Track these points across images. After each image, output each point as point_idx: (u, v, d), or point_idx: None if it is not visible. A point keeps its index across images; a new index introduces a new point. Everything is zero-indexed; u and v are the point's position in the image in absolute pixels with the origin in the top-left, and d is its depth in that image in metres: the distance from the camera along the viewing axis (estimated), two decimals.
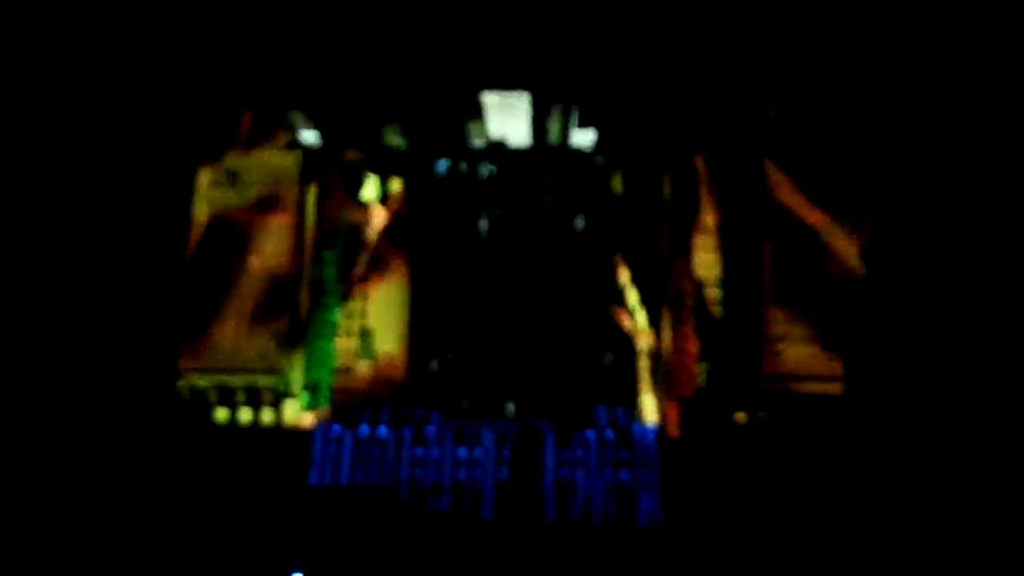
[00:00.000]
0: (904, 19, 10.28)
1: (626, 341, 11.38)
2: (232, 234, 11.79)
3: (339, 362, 11.09)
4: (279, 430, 10.23)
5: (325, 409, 10.59)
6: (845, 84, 10.77)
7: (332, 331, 10.93)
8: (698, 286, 11.05)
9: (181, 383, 11.29)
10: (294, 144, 11.43)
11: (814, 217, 11.38)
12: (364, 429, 10.37)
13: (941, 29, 10.21)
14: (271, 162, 11.82)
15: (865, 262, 11.03)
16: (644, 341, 10.89)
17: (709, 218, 11.44)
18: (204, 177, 11.86)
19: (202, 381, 11.28)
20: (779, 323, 11.32)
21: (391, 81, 10.57)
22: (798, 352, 11.18)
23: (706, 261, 11.34)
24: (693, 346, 10.31)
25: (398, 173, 11.57)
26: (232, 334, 11.70)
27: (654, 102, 10.55)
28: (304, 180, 11.67)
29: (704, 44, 10.36)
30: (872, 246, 11.10)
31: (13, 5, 10.17)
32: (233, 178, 11.90)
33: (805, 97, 11.08)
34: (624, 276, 11.26)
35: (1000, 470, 9.23)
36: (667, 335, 10.55)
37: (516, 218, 12.04)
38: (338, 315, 11.10)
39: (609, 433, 10.25)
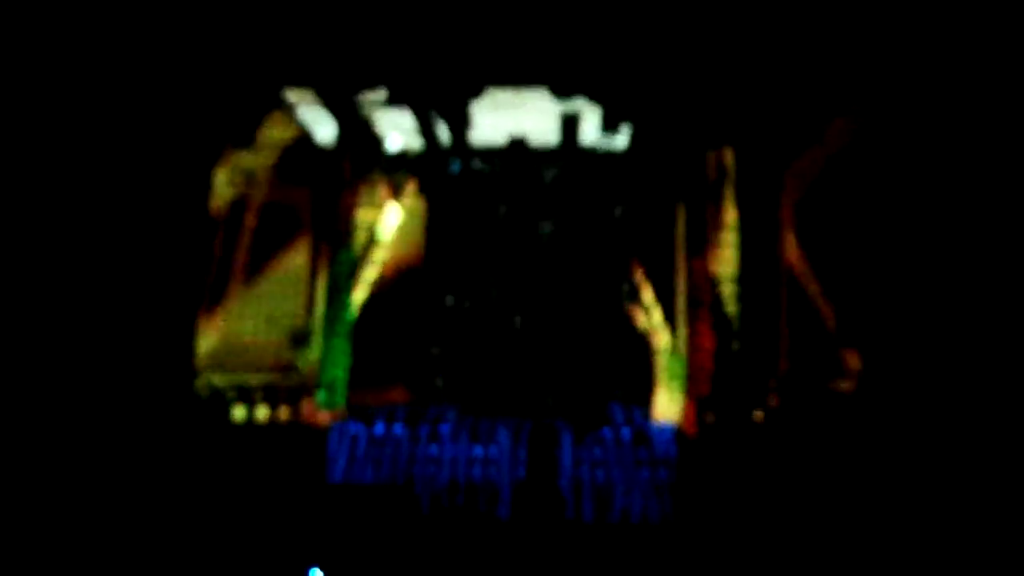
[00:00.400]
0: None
1: (642, 339, 11.34)
2: (247, 233, 11.87)
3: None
4: (296, 428, 10.27)
5: (341, 407, 10.61)
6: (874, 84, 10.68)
7: (347, 329, 10.95)
8: (714, 283, 10.98)
9: (199, 382, 11.40)
10: (308, 143, 11.46)
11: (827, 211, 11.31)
12: (380, 427, 10.40)
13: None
14: (286, 160, 11.88)
15: (885, 258, 10.92)
16: (660, 338, 10.83)
17: (725, 214, 11.37)
18: (220, 177, 11.95)
19: (219, 379, 11.37)
20: (797, 320, 11.24)
21: (404, 79, 10.57)
22: (816, 349, 11.09)
23: (722, 257, 11.26)
24: (709, 343, 10.23)
25: (411, 172, 11.58)
26: (249, 333, 11.79)
27: (674, 98, 10.46)
28: (318, 179, 11.72)
29: (724, 38, 10.28)
30: (891, 242, 10.98)
31: (14, 4, 10.25)
32: (248, 178, 11.97)
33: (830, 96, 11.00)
34: (639, 273, 11.21)
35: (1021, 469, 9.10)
36: (683, 332, 10.48)
37: (530, 216, 12.01)
38: (353, 314, 11.13)
39: (626, 431, 10.21)
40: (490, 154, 11.67)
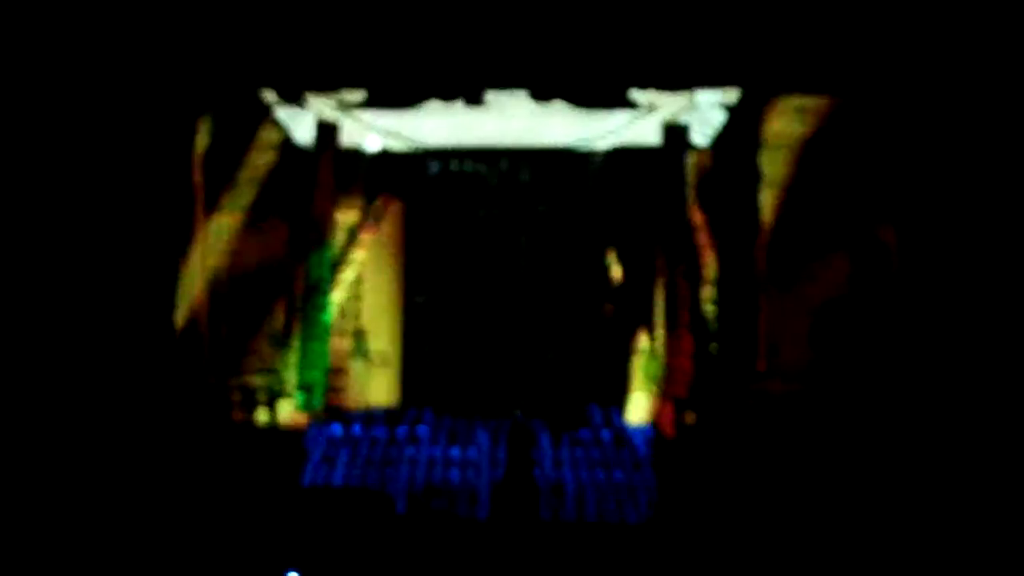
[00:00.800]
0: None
1: (620, 340, 11.36)
2: (226, 235, 11.84)
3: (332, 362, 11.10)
4: (274, 430, 10.22)
5: (319, 409, 10.56)
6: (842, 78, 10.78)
7: (326, 331, 10.90)
8: (692, 285, 11.02)
9: (175, 383, 11.34)
10: (288, 143, 11.45)
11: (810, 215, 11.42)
12: (358, 428, 10.37)
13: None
14: (266, 161, 11.85)
15: (862, 261, 11.00)
16: (638, 340, 10.86)
17: (703, 216, 11.43)
18: (199, 177, 11.90)
19: (197, 381, 11.32)
20: (774, 322, 11.31)
21: (386, 80, 10.59)
22: (793, 351, 11.17)
23: (700, 259, 11.32)
24: (687, 345, 10.26)
25: (391, 173, 11.56)
26: (227, 334, 11.74)
27: (650, 98, 10.52)
28: (298, 179, 11.70)
29: (697, 36, 10.35)
30: (869, 245, 11.08)
31: (12, 4, 10.21)
32: (228, 177, 11.93)
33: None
34: (618, 274, 11.23)
35: (1000, 472, 9.16)
36: (661, 334, 10.51)
37: (509, 217, 12.02)
38: (331, 315, 11.09)
39: (604, 432, 10.22)
40: (471, 156, 11.66)
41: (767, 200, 11.41)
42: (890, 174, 10.82)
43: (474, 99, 10.48)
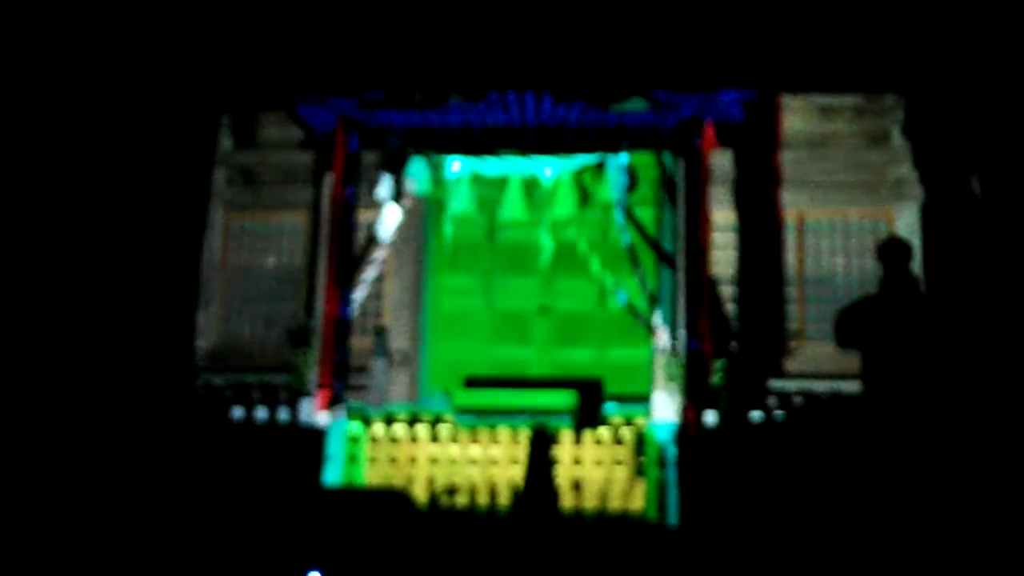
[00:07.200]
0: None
1: (642, 338, 11.33)
2: (247, 232, 11.89)
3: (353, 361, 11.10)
4: (295, 428, 10.23)
5: (341, 407, 10.56)
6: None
7: (347, 329, 10.90)
8: (713, 283, 11.00)
9: (197, 382, 11.39)
10: (308, 142, 11.46)
11: (831, 212, 11.37)
12: (379, 427, 10.39)
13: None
14: (286, 160, 11.89)
15: (886, 257, 10.94)
16: (659, 338, 10.81)
17: (724, 214, 11.39)
18: (219, 175, 11.95)
19: (218, 379, 11.36)
20: (797, 320, 11.27)
21: (404, 79, 10.60)
22: (816, 349, 11.12)
23: (721, 258, 11.29)
24: (709, 343, 10.21)
25: (412, 170, 11.54)
26: (248, 332, 11.79)
27: (672, 95, 10.49)
28: (318, 178, 11.73)
29: (717, 33, 10.33)
30: (892, 241, 11.02)
31: (15, 4, 10.28)
32: (248, 176, 11.98)
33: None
34: (639, 272, 11.19)
35: None
36: (682, 332, 10.45)
37: (532, 213, 12.01)
38: (353, 313, 11.09)
39: (625, 431, 10.19)
40: (490, 152, 11.63)
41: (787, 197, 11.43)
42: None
43: (495, 98, 10.46)
